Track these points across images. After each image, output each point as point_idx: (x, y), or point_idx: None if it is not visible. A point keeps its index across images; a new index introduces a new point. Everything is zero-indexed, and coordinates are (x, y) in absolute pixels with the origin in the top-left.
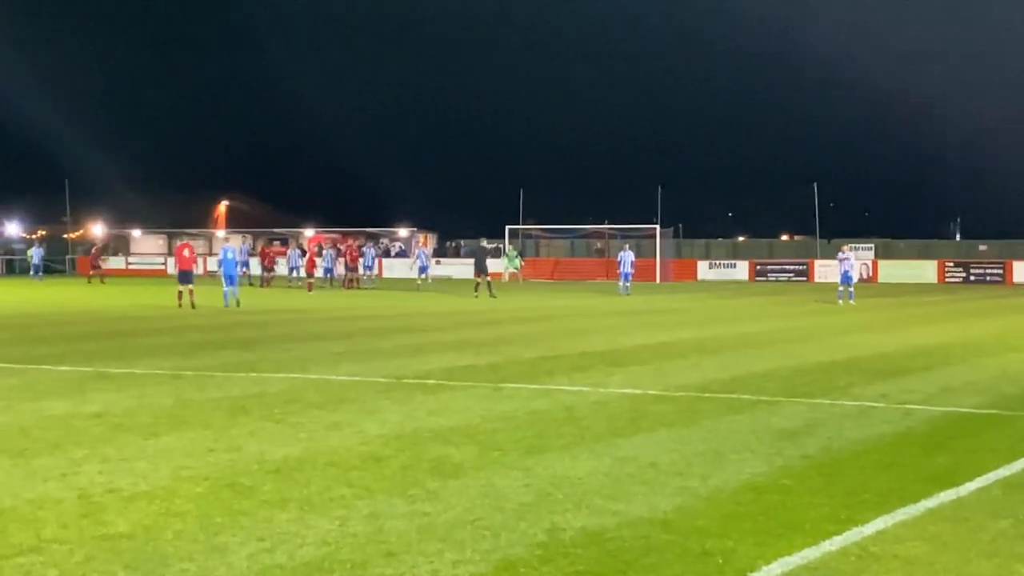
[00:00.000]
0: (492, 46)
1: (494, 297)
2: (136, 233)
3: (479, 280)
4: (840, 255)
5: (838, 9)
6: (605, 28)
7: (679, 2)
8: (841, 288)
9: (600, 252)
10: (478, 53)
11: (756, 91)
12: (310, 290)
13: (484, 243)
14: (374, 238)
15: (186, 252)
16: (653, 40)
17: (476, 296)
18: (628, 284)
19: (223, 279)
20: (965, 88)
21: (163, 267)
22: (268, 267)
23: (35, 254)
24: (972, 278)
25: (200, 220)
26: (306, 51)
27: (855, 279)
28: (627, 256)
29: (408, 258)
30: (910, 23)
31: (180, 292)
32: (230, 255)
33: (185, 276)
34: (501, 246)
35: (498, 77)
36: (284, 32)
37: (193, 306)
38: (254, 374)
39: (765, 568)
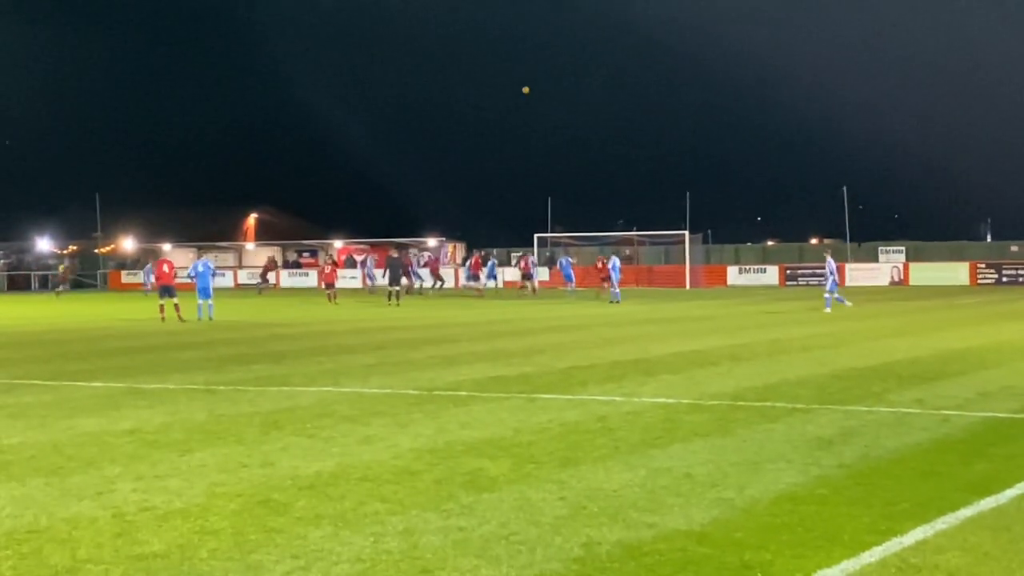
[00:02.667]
0: (519, 55)
1: (398, 305)
2: (167, 247)
3: (391, 289)
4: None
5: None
6: (631, 34)
7: (708, 8)
8: (827, 295)
9: (629, 259)
10: (505, 62)
11: (782, 96)
12: (332, 300)
13: (394, 253)
14: (403, 248)
15: (165, 267)
16: (680, 46)
17: (395, 304)
18: (617, 291)
19: (198, 292)
20: (993, 91)
21: (193, 280)
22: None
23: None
24: (1005, 279)
25: (229, 233)
26: (333, 62)
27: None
28: (615, 260)
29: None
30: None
31: (162, 306)
32: (200, 268)
33: (167, 290)
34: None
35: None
36: (310, 44)
37: (180, 319)
38: (286, 388)
39: None
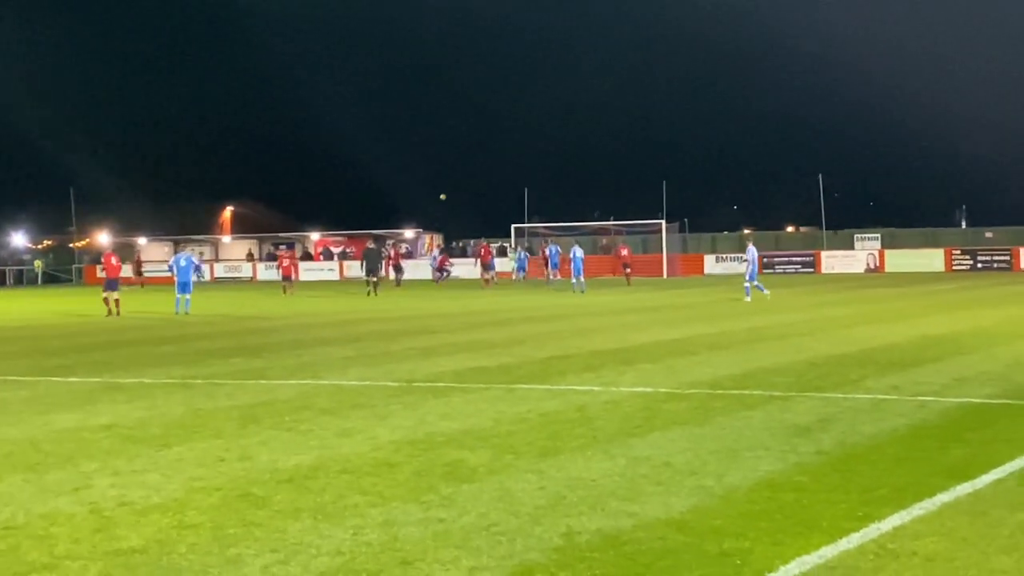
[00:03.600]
0: (494, 45)
1: (376, 295)
2: (142, 241)
3: (369, 280)
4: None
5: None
6: (606, 25)
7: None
8: (747, 284)
9: (606, 249)
10: (481, 52)
11: (757, 84)
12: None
13: (371, 244)
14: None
15: (113, 260)
16: (654, 35)
17: (373, 295)
18: (582, 280)
19: (177, 286)
20: (968, 75)
21: (169, 274)
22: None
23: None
24: (980, 265)
25: (206, 226)
26: (308, 53)
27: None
28: (576, 250)
29: (414, 259)
30: (913, 12)
31: (106, 299)
32: (183, 263)
33: (112, 284)
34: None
35: (501, 76)
36: (286, 35)
37: (118, 314)
38: (264, 381)
39: (783, 568)
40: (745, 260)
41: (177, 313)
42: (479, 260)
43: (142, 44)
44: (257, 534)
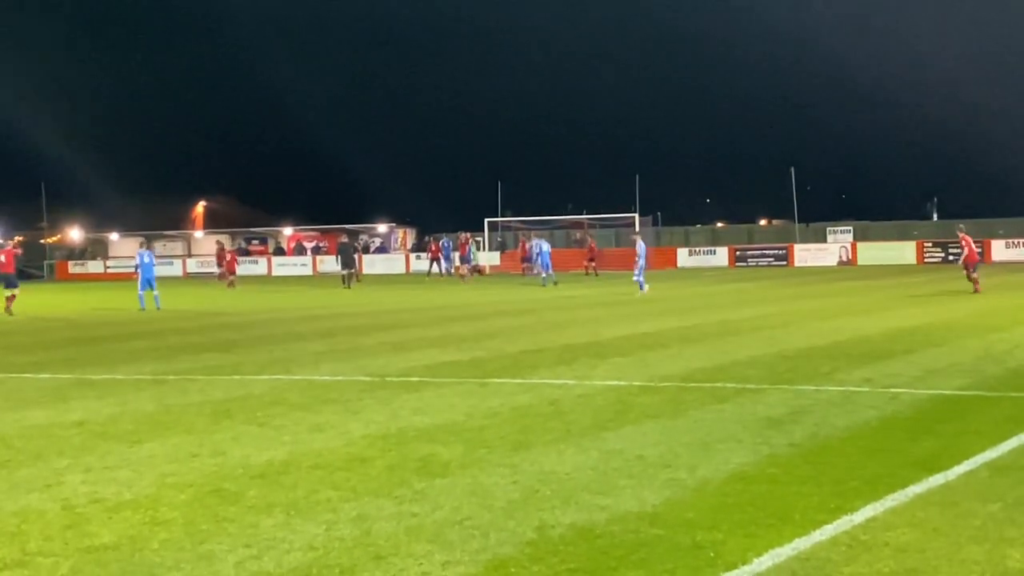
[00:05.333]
0: (466, 39)
1: (349, 288)
2: (114, 236)
3: (344, 274)
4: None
5: None
6: (578, 19)
7: None
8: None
9: (579, 243)
10: (452, 46)
11: (729, 76)
12: (230, 287)
13: (344, 239)
14: (353, 235)
15: (2, 257)
16: (625, 29)
17: (347, 288)
18: (551, 274)
19: (140, 283)
20: (938, 68)
21: (138, 271)
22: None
23: None
24: (951, 258)
25: (178, 221)
26: (281, 46)
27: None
28: (543, 244)
29: (388, 253)
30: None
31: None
32: (147, 259)
33: (8, 280)
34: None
35: (473, 70)
36: (259, 26)
37: (11, 313)
38: (236, 376)
39: (756, 560)
40: (637, 256)
41: (143, 310)
42: (457, 254)
43: (114, 38)
44: (230, 530)
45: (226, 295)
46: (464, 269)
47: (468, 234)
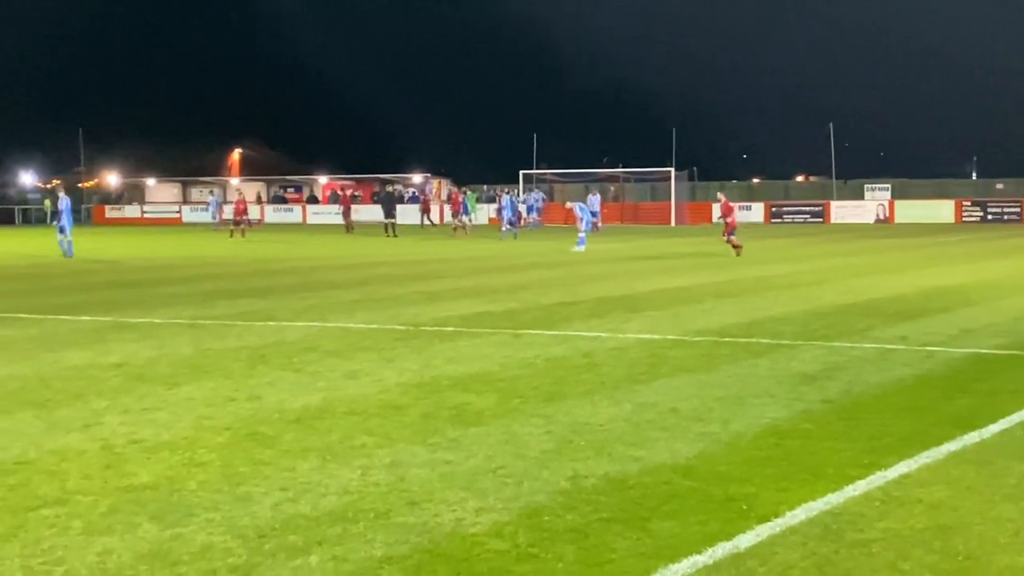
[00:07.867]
0: None
1: (395, 237)
2: (151, 182)
3: (387, 223)
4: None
5: None
6: None
7: None
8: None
9: (616, 197)
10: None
11: (770, 32)
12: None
13: (389, 188)
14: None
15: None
16: None
17: (389, 236)
18: (515, 230)
19: (59, 229)
20: (980, 25)
21: (178, 215)
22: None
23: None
24: (990, 217)
25: (214, 168)
26: None
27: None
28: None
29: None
30: None
31: None
32: (62, 205)
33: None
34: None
35: (511, 20)
36: None
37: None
38: (272, 323)
39: (789, 513)
40: (589, 211)
41: (69, 256)
42: (450, 207)
43: None
44: (266, 472)
45: (253, 244)
46: (458, 222)
47: (465, 189)
